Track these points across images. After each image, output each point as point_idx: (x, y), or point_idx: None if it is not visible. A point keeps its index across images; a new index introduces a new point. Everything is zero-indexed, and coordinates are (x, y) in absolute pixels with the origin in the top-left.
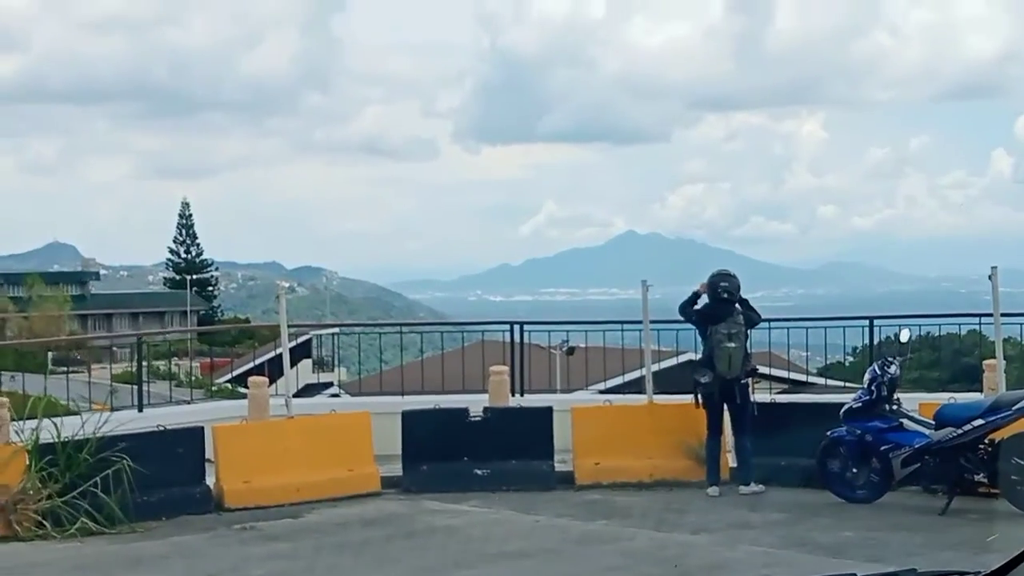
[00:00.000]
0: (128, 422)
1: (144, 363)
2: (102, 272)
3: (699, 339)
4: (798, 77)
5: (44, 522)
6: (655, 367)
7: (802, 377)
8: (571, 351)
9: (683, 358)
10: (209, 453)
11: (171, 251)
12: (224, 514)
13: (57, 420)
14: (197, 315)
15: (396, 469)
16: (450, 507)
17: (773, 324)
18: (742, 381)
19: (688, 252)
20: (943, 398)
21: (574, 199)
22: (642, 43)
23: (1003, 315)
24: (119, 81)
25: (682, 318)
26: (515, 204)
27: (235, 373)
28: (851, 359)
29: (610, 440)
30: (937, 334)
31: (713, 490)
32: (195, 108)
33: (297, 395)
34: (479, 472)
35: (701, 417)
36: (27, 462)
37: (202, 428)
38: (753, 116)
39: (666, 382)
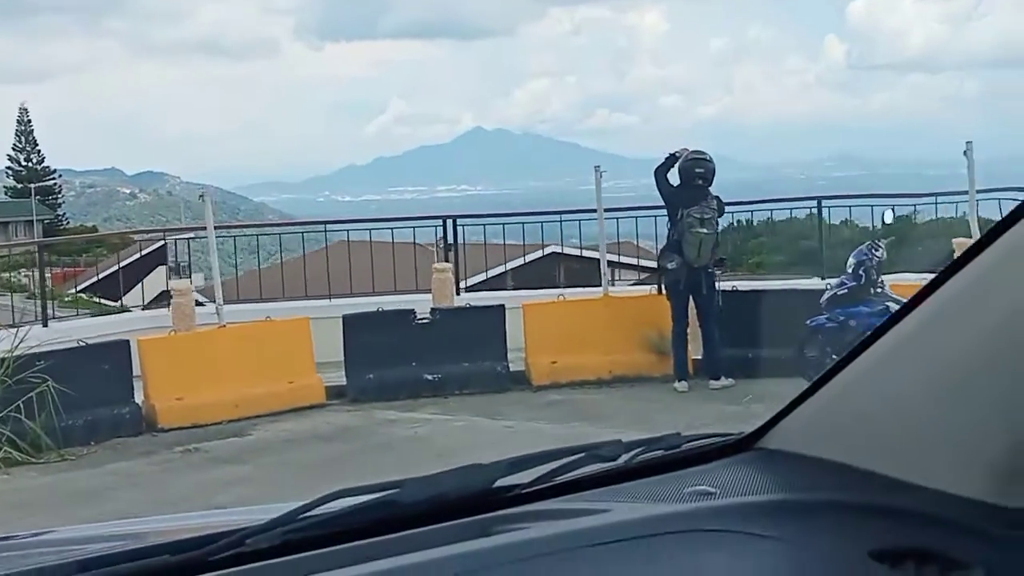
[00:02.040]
0: (36, 339)
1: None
2: None
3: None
4: None
5: None
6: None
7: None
8: (449, 247)
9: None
10: (136, 370)
11: (10, 158)
12: (159, 435)
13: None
14: (42, 224)
15: (338, 378)
16: (406, 415)
17: (623, 213)
18: (710, 270)
19: (535, 146)
20: (926, 279)
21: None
22: None
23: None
24: None
25: (655, 182)
26: (361, 102)
27: (88, 283)
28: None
29: (565, 337)
30: (788, 218)
31: (681, 385)
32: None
33: (153, 303)
34: (429, 377)
35: (660, 309)
36: None
37: (128, 342)
38: (597, 9)
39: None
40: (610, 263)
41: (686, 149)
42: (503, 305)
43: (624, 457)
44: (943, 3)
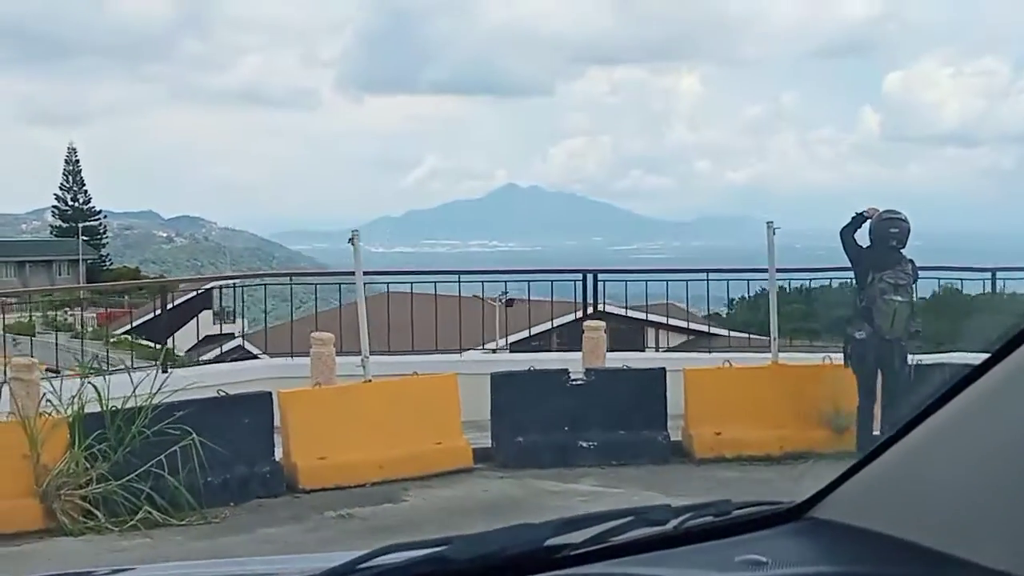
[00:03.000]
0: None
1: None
2: None
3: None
4: (677, 32)
5: (95, 511)
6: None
7: (702, 327)
8: (510, 303)
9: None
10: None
11: (57, 197)
12: (300, 496)
13: (98, 382)
14: (86, 264)
15: (481, 439)
16: (568, 487)
17: (653, 276)
18: (903, 342)
19: (568, 205)
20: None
21: (456, 151)
22: None
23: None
24: None
25: (841, 242)
26: (397, 155)
27: (134, 324)
28: (727, 311)
29: (730, 407)
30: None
31: None
32: (66, 53)
33: (196, 347)
34: (584, 444)
35: (838, 380)
36: (68, 437)
37: (270, 394)
38: (634, 71)
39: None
40: (657, 324)
41: (875, 209)
42: (663, 369)
43: (673, 522)
44: (980, 77)
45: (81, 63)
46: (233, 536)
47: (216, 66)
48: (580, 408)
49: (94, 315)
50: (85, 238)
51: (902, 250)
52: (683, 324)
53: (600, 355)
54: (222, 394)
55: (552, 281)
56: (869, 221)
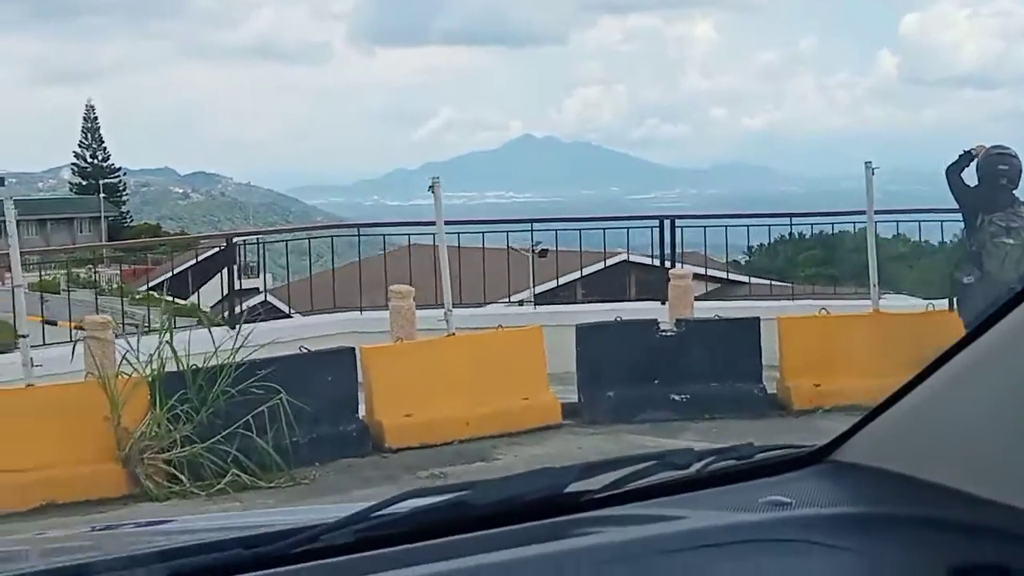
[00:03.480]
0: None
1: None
2: None
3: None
4: None
5: (179, 475)
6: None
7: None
8: (544, 253)
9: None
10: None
11: (76, 155)
12: (388, 456)
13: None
14: (107, 221)
15: (565, 394)
16: (667, 441)
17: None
18: (1014, 287)
19: (584, 155)
20: None
21: (470, 103)
22: None
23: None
24: None
25: (947, 183)
26: (411, 108)
27: (157, 280)
28: (747, 258)
29: (829, 357)
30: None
31: None
32: (75, 11)
33: (221, 302)
34: (676, 398)
35: (944, 328)
36: (149, 398)
37: (353, 350)
38: (647, 18)
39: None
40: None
41: (983, 146)
42: (758, 318)
43: (696, 466)
44: (998, 18)
45: (90, 21)
46: (327, 498)
47: (227, 22)
48: (671, 360)
49: (118, 271)
50: (105, 195)
51: (1014, 190)
52: (711, 272)
53: (688, 304)
54: (304, 350)
55: (627, 228)
56: (976, 159)
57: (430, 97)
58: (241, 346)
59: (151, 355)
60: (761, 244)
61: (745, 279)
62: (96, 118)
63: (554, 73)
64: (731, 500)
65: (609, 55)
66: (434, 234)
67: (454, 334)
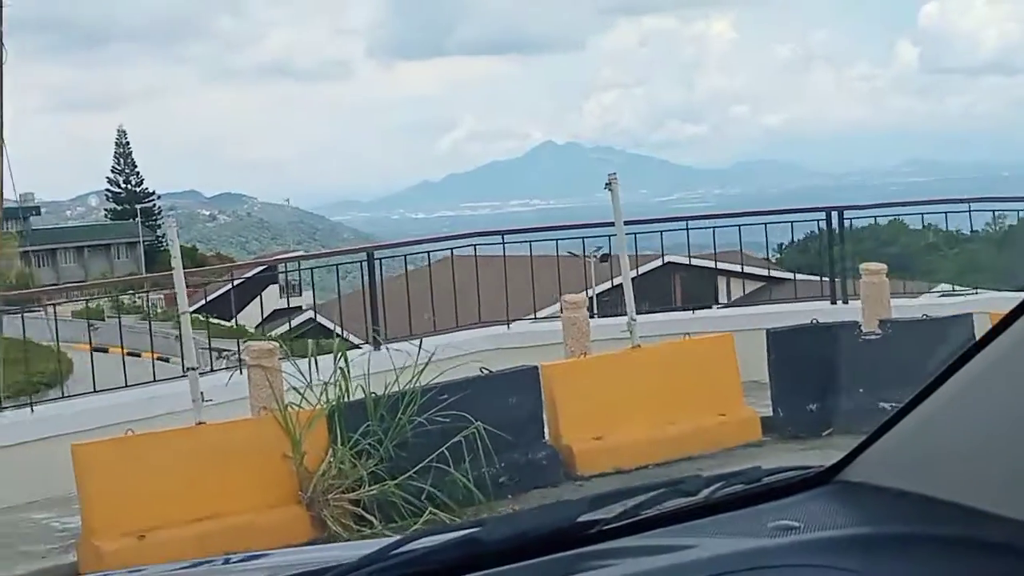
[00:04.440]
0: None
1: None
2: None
3: None
4: None
5: (368, 515)
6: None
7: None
8: (605, 258)
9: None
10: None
11: (110, 181)
12: (583, 483)
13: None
14: (144, 246)
15: (757, 406)
16: None
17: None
18: None
19: (607, 159)
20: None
21: (491, 112)
22: None
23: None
24: (21, 16)
25: None
26: (432, 119)
27: (199, 304)
28: (777, 255)
29: None
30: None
31: None
32: (102, 40)
33: (264, 322)
34: (886, 407)
35: None
36: (328, 431)
37: (536, 369)
38: (663, 19)
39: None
40: (721, 272)
41: None
42: (971, 315)
43: (705, 492)
44: (1016, 2)
45: (116, 49)
46: None
47: (248, 43)
48: (877, 366)
49: (161, 296)
50: (141, 220)
51: None
52: (754, 271)
53: (886, 304)
54: (485, 372)
55: (792, 222)
56: None
57: (451, 108)
58: (422, 370)
59: (325, 383)
60: (792, 241)
61: (789, 275)
62: (128, 143)
63: (573, 79)
64: (740, 526)
65: (627, 58)
66: (582, 239)
67: (639, 346)
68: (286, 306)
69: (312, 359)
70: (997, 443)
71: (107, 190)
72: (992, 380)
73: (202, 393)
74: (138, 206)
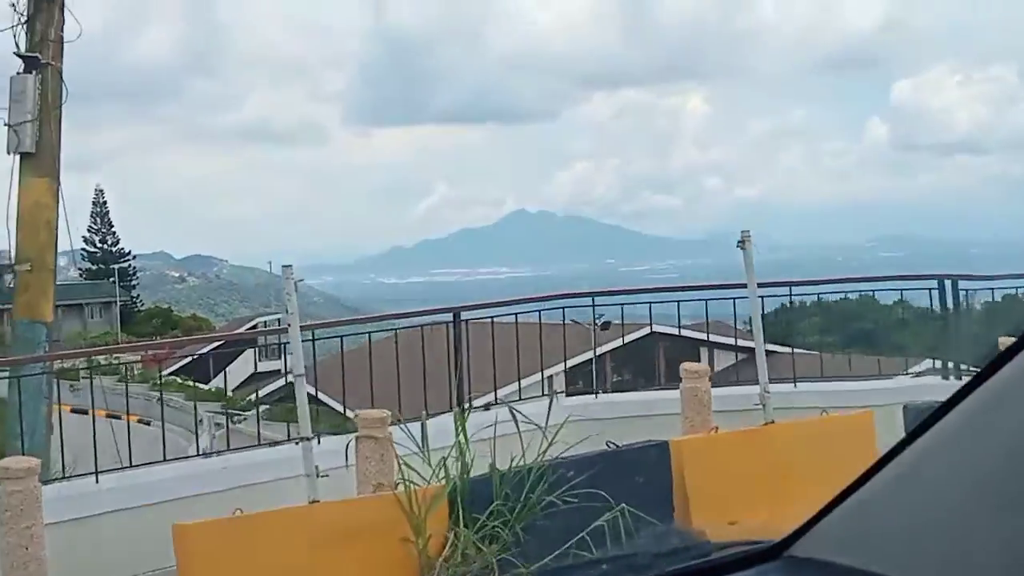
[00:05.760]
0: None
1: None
2: None
3: None
4: (681, 52)
5: None
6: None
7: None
8: (606, 325)
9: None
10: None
11: (86, 240)
12: None
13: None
14: (118, 306)
15: None
16: None
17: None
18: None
19: (578, 228)
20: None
21: (465, 179)
22: (529, 19)
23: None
24: None
25: None
26: (407, 186)
27: (176, 366)
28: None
29: None
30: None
31: None
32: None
33: (242, 386)
34: None
35: None
36: (449, 513)
37: (667, 444)
38: (639, 93)
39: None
40: (708, 343)
41: None
42: None
43: (657, 567)
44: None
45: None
46: None
47: (224, 105)
48: None
49: (138, 357)
50: (113, 280)
51: None
52: (735, 342)
53: None
54: (611, 446)
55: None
56: None
57: (425, 175)
58: (552, 440)
59: (443, 457)
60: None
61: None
62: (105, 202)
63: (547, 148)
64: None
65: (600, 130)
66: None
67: (773, 421)
68: (260, 371)
69: (423, 425)
70: (939, 521)
71: (83, 249)
72: (943, 456)
73: (317, 467)
74: (114, 266)
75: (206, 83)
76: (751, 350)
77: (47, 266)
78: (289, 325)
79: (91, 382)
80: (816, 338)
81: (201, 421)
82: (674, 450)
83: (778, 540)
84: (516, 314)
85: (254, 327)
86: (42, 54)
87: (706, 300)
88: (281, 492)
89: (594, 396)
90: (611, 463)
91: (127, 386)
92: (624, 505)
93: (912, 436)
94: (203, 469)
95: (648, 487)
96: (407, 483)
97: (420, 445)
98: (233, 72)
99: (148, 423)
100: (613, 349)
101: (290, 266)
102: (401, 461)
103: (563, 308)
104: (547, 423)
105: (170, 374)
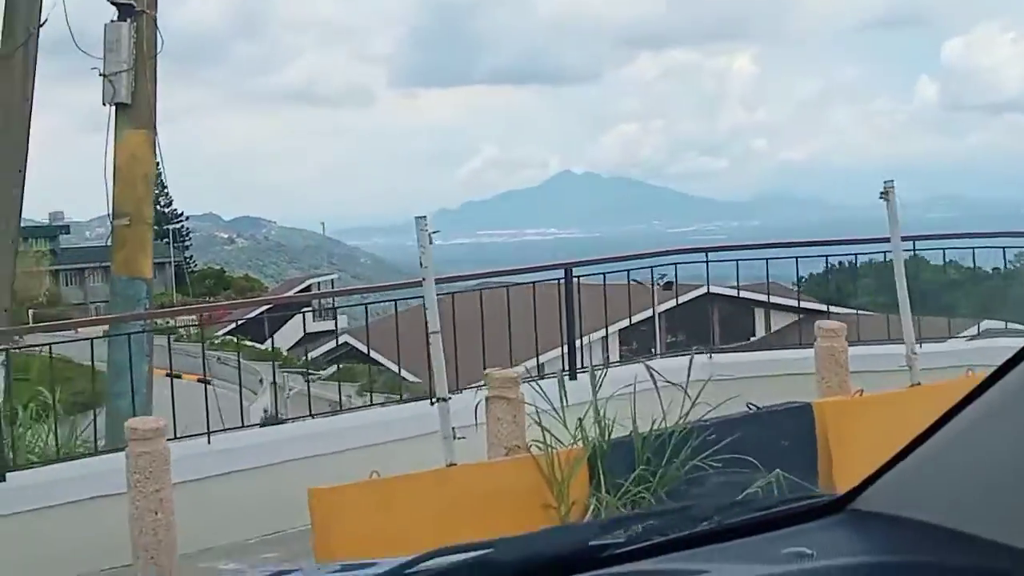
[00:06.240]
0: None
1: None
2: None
3: None
4: (728, 12)
5: None
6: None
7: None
8: (669, 285)
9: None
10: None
11: None
12: None
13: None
14: (173, 267)
15: None
16: None
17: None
18: None
19: (625, 190)
20: None
21: (510, 141)
22: None
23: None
24: (42, 40)
25: None
26: (451, 148)
27: (233, 325)
28: (796, 288)
29: None
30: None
31: None
32: None
33: (298, 344)
34: None
35: None
36: (589, 478)
37: (810, 406)
38: (685, 53)
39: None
40: (762, 304)
41: None
42: None
43: (718, 517)
44: None
45: None
46: None
47: (271, 68)
48: None
49: (194, 318)
50: (167, 240)
51: None
52: (791, 303)
53: None
54: (752, 408)
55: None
56: None
57: (470, 137)
58: (695, 402)
59: (579, 418)
60: (811, 273)
61: (823, 307)
62: (158, 163)
63: (593, 110)
64: (753, 552)
65: (647, 90)
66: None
67: (920, 384)
68: (311, 331)
69: (561, 382)
70: (1009, 473)
71: None
72: (1006, 411)
73: (454, 429)
74: (168, 227)
75: (252, 46)
76: (808, 311)
77: (145, 220)
78: (423, 280)
79: (169, 341)
80: (867, 298)
81: (260, 381)
82: (818, 412)
83: (841, 494)
84: (628, 270)
85: (307, 288)
86: (136, 2)
87: (766, 259)
88: (401, 454)
89: (729, 355)
90: (754, 425)
91: (203, 346)
92: (779, 471)
93: (977, 392)
94: (309, 431)
95: (792, 451)
96: (547, 446)
97: (557, 404)
98: (278, 35)
99: (209, 382)
100: (668, 309)
101: (424, 217)
102: (540, 424)
103: (674, 264)
104: (687, 382)
105: (226, 333)
